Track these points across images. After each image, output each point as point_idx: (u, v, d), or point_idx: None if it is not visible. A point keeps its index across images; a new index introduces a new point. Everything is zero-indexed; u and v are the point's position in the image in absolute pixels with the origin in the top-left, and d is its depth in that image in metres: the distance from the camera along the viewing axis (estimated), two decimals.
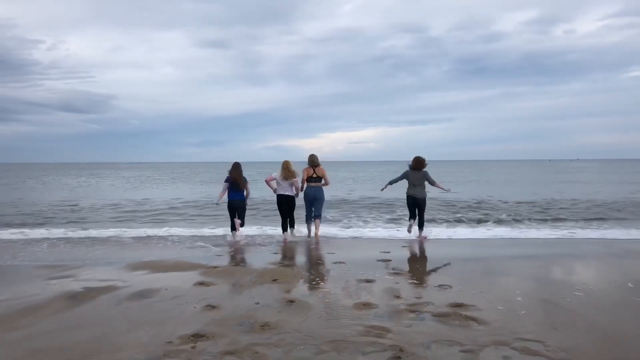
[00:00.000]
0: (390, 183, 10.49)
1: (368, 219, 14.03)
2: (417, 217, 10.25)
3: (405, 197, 10.37)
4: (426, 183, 10.16)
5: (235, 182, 9.93)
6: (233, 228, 10.31)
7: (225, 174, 10.35)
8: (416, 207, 10.15)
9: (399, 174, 10.43)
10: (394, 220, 13.70)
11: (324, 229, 11.14)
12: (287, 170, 9.91)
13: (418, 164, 10.02)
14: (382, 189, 10.64)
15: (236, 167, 9.99)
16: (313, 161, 10.07)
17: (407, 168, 10.17)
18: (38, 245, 10.16)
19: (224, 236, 11.01)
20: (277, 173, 10.00)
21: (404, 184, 10.40)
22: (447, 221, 13.73)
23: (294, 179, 10.04)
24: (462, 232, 11.73)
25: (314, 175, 10.07)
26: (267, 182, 10.34)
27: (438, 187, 10.19)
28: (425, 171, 10.11)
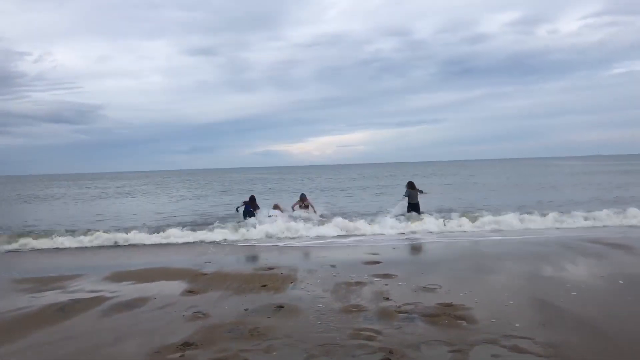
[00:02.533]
0: (404, 196, 15.11)
1: (357, 225, 13.85)
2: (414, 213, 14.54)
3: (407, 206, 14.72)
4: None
5: (251, 206, 14.54)
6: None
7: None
8: (414, 210, 14.65)
9: (405, 195, 15.04)
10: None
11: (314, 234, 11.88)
12: (303, 202, 15.24)
13: (414, 186, 15.05)
14: (404, 197, 15.20)
15: (253, 200, 14.69)
16: (303, 198, 15.46)
17: (406, 189, 15.02)
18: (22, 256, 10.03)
19: (213, 243, 11.01)
20: (296, 205, 15.16)
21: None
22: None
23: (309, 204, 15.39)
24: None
25: (304, 205, 15.25)
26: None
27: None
28: (418, 189, 15.06)
